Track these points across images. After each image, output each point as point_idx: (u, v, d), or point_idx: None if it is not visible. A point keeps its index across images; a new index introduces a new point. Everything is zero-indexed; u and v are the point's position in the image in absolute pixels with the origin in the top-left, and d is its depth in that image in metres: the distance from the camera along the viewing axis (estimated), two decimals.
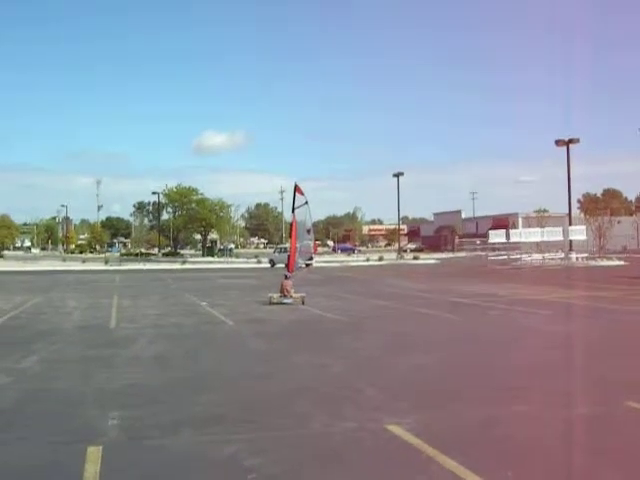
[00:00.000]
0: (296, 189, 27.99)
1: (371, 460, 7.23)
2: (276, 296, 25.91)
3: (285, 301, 25.55)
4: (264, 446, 7.67)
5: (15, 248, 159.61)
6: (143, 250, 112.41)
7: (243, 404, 9.70)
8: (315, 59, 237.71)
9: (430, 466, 6.92)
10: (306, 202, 28.03)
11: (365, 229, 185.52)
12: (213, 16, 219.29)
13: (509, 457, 7.35)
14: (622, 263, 57.36)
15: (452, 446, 7.47)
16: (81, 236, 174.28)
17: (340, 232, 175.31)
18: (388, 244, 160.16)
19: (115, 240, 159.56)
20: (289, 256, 28.57)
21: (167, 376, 11.99)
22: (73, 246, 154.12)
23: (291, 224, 29.35)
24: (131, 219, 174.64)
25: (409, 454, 7.34)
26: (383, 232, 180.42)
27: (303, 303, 25.40)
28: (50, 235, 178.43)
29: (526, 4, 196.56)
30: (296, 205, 27.95)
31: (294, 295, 26.01)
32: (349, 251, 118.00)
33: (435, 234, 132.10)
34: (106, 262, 74.87)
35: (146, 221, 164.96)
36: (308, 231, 28.71)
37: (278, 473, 6.87)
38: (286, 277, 26.85)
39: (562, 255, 62.55)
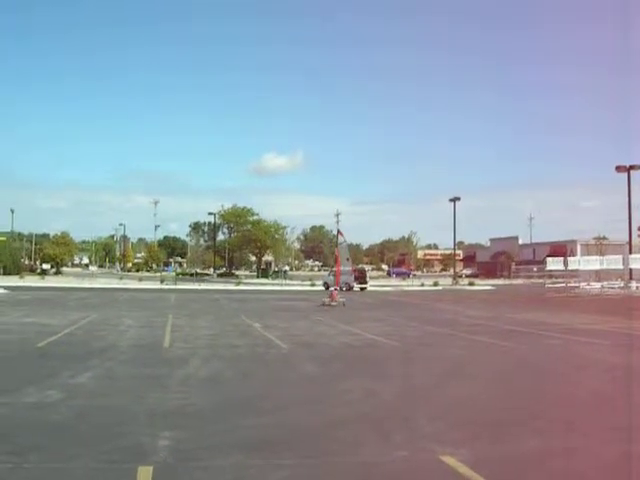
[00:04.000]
0: (339, 232, 47.17)
1: None
2: (327, 300, 39.78)
3: (332, 304, 38.76)
4: (314, 473, 7.59)
5: (73, 265, 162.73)
6: (198, 270, 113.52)
7: (294, 429, 9.61)
8: (370, 82, 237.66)
9: None
10: (344, 241, 46.65)
11: (420, 253, 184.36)
12: (275, 33, 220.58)
13: None
14: None
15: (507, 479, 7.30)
16: (138, 255, 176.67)
17: (395, 256, 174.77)
18: (443, 269, 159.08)
19: (171, 259, 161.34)
20: (335, 275, 47.52)
21: (219, 398, 11.97)
22: (130, 264, 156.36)
23: (335, 255, 47.37)
24: (187, 239, 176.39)
25: None
26: (438, 257, 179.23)
27: (344, 305, 38.07)
28: (107, 253, 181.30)
29: (584, 34, 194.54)
30: (338, 242, 47.13)
31: (338, 300, 39.04)
32: (404, 275, 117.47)
33: (491, 260, 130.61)
34: (162, 281, 75.71)
35: (202, 241, 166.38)
36: (347, 259, 47.15)
37: None
38: (335, 289, 42.13)
39: (621, 284, 61.32)
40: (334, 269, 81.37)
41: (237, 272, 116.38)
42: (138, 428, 9.48)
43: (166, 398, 11.72)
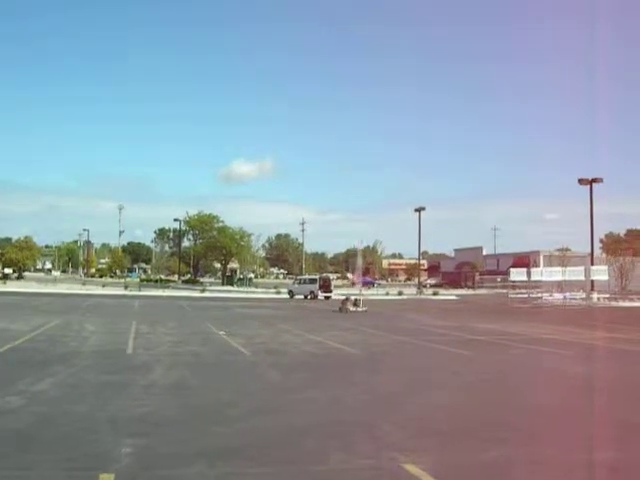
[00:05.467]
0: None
1: None
2: (348, 307, 43.21)
3: (358, 309, 43.54)
4: None
5: (36, 270, 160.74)
6: (163, 277, 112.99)
7: (258, 437, 9.59)
8: (338, 90, 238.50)
9: None
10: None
11: (385, 263, 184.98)
12: (249, 42, 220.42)
13: None
14: None
15: None
16: (102, 260, 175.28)
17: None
18: (408, 279, 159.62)
19: (135, 265, 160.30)
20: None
21: (182, 405, 11.91)
22: (93, 270, 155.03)
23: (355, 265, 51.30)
24: (152, 245, 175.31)
25: None
26: (403, 266, 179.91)
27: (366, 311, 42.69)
28: (71, 258, 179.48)
29: (554, 40, 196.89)
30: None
31: (352, 308, 43.25)
32: (369, 284, 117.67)
33: (455, 270, 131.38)
34: (126, 287, 75.23)
35: (167, 247, 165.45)
36: (357, 269, 52.88)
37: None
38: (347, 298, 45.27)
39: (583, 295, 62.05)
40: (299, 277, 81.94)
41: (202, 279, 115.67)
42: (100, 435, 9.39)
43: (129, 405, 11.64)
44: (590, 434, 9.99)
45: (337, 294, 70.20)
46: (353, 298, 45.98)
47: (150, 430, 9.84)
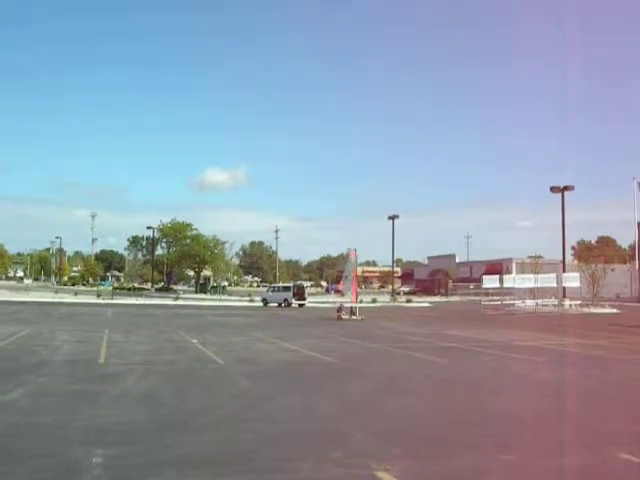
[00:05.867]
0: (352, 253, 50.76)
1: None
2: (343, 314, 44.18)
3: (353, 317, 44.19)
4: None
5: (7, 278, 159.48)
6: (136, 285, 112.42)
7: (230, 446, 9.58)
8: (316, 96, 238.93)
9: None
10: (355, 262, 51.45)
11: (359, 270, 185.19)
12: (220, 50, 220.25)
13: None
14: (615, 311, 57.35)
15: None
16: (74, 268, 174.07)
17: (334, 273, 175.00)
18: (382, 286, 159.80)
19: (108, 273, 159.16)
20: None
21: (154, 415, 11.85)
22: (66, 278, 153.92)
23: (354, 274, 50.18)
24: (125, 253, 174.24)
25: None
26: (377, 274, 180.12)
27: (362, 320, 42.85)
28: (43, 266, 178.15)
29: (523, 45, 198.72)
30: (350, 261, 50.78)
31: (347, 316, 44.33)
32: (341, 292, 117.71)
33: (429, 277, 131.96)
34: (98, 295, 74.75)
35: (140, 255, 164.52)
36: (350, 280, 49.08)
37: None
38: (341, 306, 46.25)
39: (555, 302, 62.47)
40: (273, 285, 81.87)
41: (176, 287, 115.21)
42: (71, 445, 9.32)
43: (101, 415, 11.57)
44: (559, 440, 10.07)
45: (311, 301, 70.41)
46: (348, 306, 46.56)
47: (121, 440, 9.78)
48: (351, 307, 46.29)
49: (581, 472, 8.49)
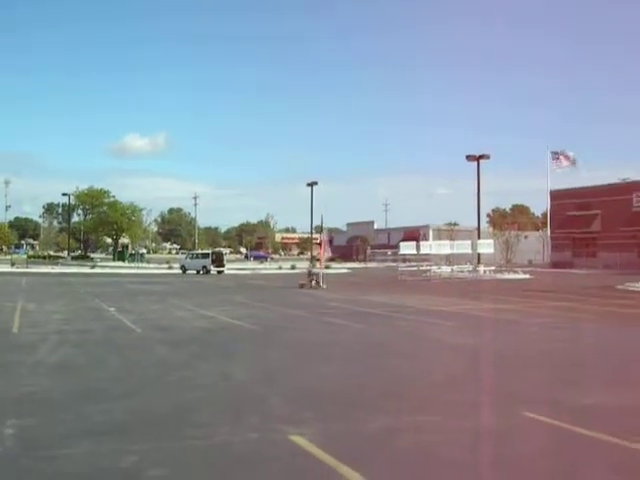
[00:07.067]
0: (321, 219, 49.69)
1: (272, 471, 7.25)
2: (307, 282, 41.31)
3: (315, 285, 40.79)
4: (165, 457, 7.61)
5: None
6: (52, 253, 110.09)
7: (146, 414, 9.58)
8: (235, 68, 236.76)
9: (331, 477, 6.96)
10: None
11: (278, 237, 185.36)
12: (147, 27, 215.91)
13: (410, 467, 7.47)
14: (527, 276, 58.94)
15: (354, 457, 7.54)
16: None
17: (253, 239, 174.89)
18: (301, 252, 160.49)
19: (23, 242, 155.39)
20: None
21: (69, 384, 11.78)
22: None
23: (320, 241, 48.75)
24: (40, 221, 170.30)
25: (311, 465, 7.37)
26: (296, 241, 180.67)
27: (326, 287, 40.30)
28: None
29: (440, 31, 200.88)
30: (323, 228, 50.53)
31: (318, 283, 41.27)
32: (262, 259, 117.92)
33: (347, 244, 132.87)
34: (12, 264, 73.00)
35: (56, 223, 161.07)
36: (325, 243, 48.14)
37: None
38: (310, 272, 43.13)
39: (470, 268, 63.75)
40: (192, 252, 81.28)
41: (93, 255, 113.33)
42: None
43: (14, 385, 11.44)
44: (470, 402, 10.41)
45: (230, 268, 70.33)
46: (316, 272, 43.53)
47: (35, 410, 9.69)
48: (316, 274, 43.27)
49: (489, 431, 8.80)
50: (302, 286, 41.19)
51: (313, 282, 41.54)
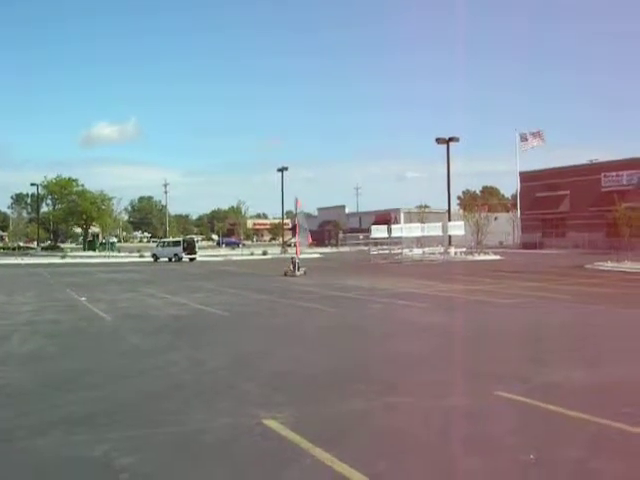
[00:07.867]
0: (297, 202, 44.66)
1: (246, 455, 7.28)
2: (290, 270, 39.67)
3: (297, 273, 39.09)
4: (137, 444, 7.61)
5: None
6: (21, 244, 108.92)
7: (118, 402, 9.55)
8: (202, 57, 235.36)
9: (304, 459, 7.01)
10: (302, 210, 46.43)
11: (250, 223, 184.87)
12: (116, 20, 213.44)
13: (383, 448, 7.52)
14: (498, 257, 59.30)
15: (327, 439, 7.60)
16: None
17: (225, 226, 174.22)
18: (273, 238, 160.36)
19: None
20: (296, 245, 46.23)
21: (40, 375, 11.71)
22: None
23: (294, 225, 43.35)
24: (9, 211, 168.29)
25: (284, 448, 7.41)
26: (268, 226, 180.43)
27: (305, 274, 39.19)
28: None
29: (408, 16, 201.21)
30: (297, 212, 45.96)
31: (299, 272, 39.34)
32: (234, 245, 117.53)
33: (319, 229, 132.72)
34: None
35: (25, 214, 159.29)
36: (305, 229, 44.61)
37: (151, 471, 6.84)
38: (293, 260, 40.88)
39: (442, 250, 64.06)
40: (163, 240, 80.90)
41: (63, 245, 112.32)
42: None
43: None
44: (442, 381, 10.51)
45: (202, 255, 70.13)
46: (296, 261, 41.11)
47: (5, 402, 9.65)
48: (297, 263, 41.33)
49: (462, 410, 8.91)
50: (286, 274, 39.84)
51: (298, 271, 39.68)
